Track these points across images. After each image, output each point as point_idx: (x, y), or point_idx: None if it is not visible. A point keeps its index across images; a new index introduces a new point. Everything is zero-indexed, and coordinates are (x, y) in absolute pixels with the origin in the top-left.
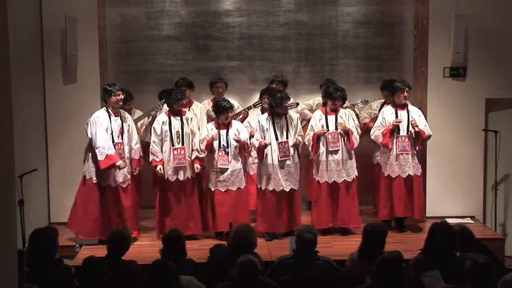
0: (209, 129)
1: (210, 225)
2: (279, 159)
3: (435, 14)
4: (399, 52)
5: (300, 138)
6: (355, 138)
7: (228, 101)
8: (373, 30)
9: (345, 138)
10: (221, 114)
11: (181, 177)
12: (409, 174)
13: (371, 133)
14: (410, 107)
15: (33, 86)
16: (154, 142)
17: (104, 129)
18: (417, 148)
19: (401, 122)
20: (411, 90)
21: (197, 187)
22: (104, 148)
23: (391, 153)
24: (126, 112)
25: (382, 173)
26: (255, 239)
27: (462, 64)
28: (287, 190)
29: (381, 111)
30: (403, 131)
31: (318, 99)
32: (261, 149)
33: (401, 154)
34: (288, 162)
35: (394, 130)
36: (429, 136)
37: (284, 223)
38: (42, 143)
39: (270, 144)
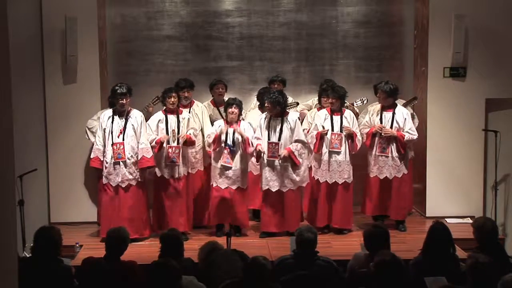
0: (216, 125)
1: (208, 219)
2: (267, 158)
3: (435, 14)
4: (399, 52)
5: (293, 147)
6: (359, 141)
7: (235, 99)
8: (373, 30)
9: (349, 141)
10: (226, 110)
11: (175, 174)
12: (386, 176)
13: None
14: (398, 108)
15: (33, 86)
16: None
17: (102, 129)
18: (401, 151)
19: (381, 129)
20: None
21: (190, 185)
22: (95, 148)
23: (371, 153)
24: (137, 112)
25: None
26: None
27: (462, 64)
28: (273, 191)
29: (369, 110)
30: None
31: (317, 99)
32: (258, 154)
33: (380, 155)
34: (277, 163)
35: (375, 134)
36: (412, 140)
37: (276, 223)
38: (42, 143)
39: (264, 152)
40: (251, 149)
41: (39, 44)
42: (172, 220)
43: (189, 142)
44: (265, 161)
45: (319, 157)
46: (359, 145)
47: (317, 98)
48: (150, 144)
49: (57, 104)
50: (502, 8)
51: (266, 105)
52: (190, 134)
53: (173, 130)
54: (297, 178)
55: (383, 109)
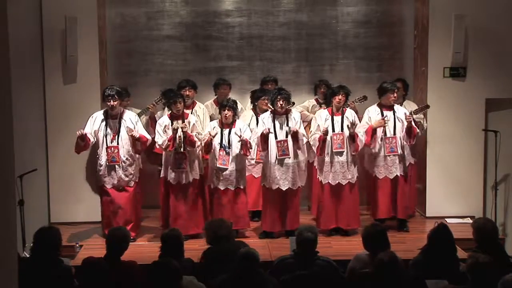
0: (211, 127)
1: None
2: (277, 157)
3: (435, 14)
4: (399, 52)
5: (300, 131)
6: (360, 141)
7: (228, 100)
8: (373, 30)
9: (351, 141)
10: (220, 112)
11: (182, 181)
12: (396, 175)
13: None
14: (396, 107)
15: (33, 86)
16: (158, 139)
17: (93, 130)
18: (410, 142)
19: (387, 122)
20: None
21: (201, 188)
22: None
23: (379, 154)
24: (130, 112)
25: (371, 174)
26: (228, 231)
27: (462, 64)
28: (284, 189)
29: (366, 110)
30: (389, 132)
31: (312, 100)
32: (263, 137)
33: (389, 155)
34: (287, 160)
35: (375, 129)
36: (417, 134)
37: (281, 222)
38: (42, 143)
39: (272, 132)
40: (251, 150)
41: (39, 44)
42: (181, 223)
43: (188, 141)
44: (274, 160)
45: (322, 158)
46: (360, 145)
47: (323, 99)
48: (163, 145)
49: (57, 104)
50: (502, 8)
51: (279, 103)
52: (193, 134)
53: (179, 137)
54: (303, 178)
55: (382, 108)
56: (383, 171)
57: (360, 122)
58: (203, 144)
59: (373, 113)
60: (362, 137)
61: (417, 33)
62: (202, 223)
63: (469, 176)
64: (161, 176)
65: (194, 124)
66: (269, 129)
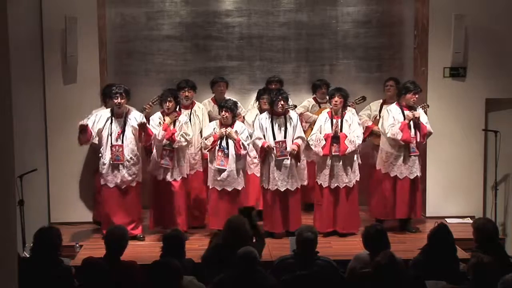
0: (211, 128)
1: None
2: (276, 158)
3: (435, 14)
4: (399, 52)
5: (299, 142)
6: (350, 142)
7: (227, 101)
8: (373, 30)
9: (335, 143)
10: (219, 113)
11: (168, 177)
12: (416, 175)
13: (386, 132)
14: (417, 108)
15: (33, 86)
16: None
17: (97, 128)
18: (420, 140)
19: (418, 115)
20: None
21: (186, 186)
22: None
23: (401, 154)
24: (136, 112)
25: (385, 174)
26: (248, 231)
27: (462, 64)
28: (282, 190)
29: (387, 109)
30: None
31: (311, 100)
32: (263, 150)
33: (410, 156)
34: (285, 161)
35: (410, 124)
36: (430, 133)
37: (280, 223)
38: (42, 143)
39: (273, 147)
40: (243, 152)
41: (39, 44)
42: (169, 220)
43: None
44: (273, 161)
45: (324, 160)
46: (350, 147)
47: (323, 98)
48: (159, 136)
49: (57, 104)
50: (502, 8)
51: (280, 103)
52: (177, 134)
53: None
54: (303, 176)
55: (403, 107)
56: (404, 172)
57: (357, 123)
58: (209, 144)
59: (395, 112)
60: (397, 136)
61: (417, 33)
62: (183, 221)
63: (469, 176)
64: (148, 170)
65: (183, 124)
66: (269, 146)
